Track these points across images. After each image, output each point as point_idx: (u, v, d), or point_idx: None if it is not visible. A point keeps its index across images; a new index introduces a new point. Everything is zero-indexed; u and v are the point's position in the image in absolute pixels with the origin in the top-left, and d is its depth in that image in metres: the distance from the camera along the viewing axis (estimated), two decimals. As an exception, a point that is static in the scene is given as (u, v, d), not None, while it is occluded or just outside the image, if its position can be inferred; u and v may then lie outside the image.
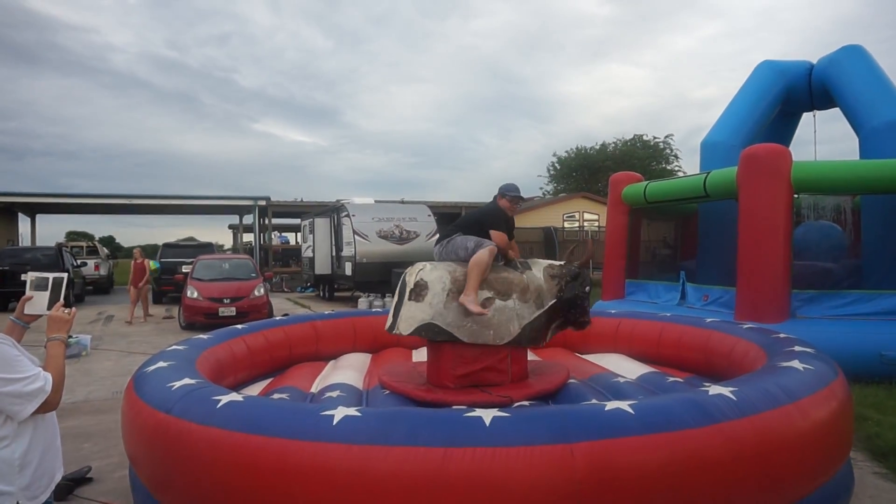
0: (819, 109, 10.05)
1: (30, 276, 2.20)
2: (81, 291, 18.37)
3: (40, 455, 2.03)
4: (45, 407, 1.96)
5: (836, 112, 9.43)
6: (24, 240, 25.39)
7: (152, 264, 14.50)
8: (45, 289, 2.18)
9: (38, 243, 23.43)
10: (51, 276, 2.20)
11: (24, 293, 2.18)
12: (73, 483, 3.87)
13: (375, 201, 18.32)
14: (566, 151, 38.36)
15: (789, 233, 6.97)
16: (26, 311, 2.17)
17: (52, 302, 2.18)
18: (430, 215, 16.64)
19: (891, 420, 4.79)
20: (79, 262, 20.16)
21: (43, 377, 1.96)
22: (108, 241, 53.34)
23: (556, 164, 38.55)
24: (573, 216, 25.24)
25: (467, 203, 26.75)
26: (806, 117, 10.59)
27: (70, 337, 8.95)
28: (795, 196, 7.11)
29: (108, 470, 4.22)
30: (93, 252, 24.29)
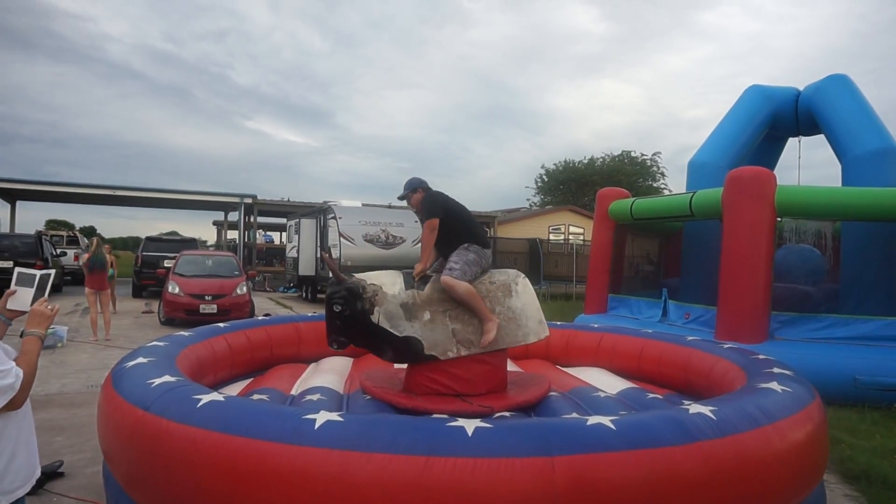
0: (804, 135, 10.25)
1: (16, 271, 2.18)
2: (60, 282, 18.07)
3: (12, 449, 1.99)
4: (10, 405, 1.92)
5: (819, 138, 9.62)
6: (3, 226, 24.93)
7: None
8: (31, 285, 2.15)
9: (17, 230, 23.02)
10: (38, 273, 2.18)
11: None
12: (44, 477, 3.79)
13: (363, 204, 18.29)
14: (555, 164, 38.70)
15: (771, 255, 7.08)
16: (9, 307, 2.14)
17: (36, 297, 2.14)
18: (416, 221, 16.63)
19: (863, 444, 4.87)
20: (58, 251, 19.83)
21: (14, 373, 1.92)
22: (90, 232, 52.59)
23: (544, 177, 38.80)
24: (559, 229, 25.38)
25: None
26: (791, 142, 10.80)
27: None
28: (778, 219, 7.23)
29: (80, 465, 4.15)
30: (73, 242, 23.91)
